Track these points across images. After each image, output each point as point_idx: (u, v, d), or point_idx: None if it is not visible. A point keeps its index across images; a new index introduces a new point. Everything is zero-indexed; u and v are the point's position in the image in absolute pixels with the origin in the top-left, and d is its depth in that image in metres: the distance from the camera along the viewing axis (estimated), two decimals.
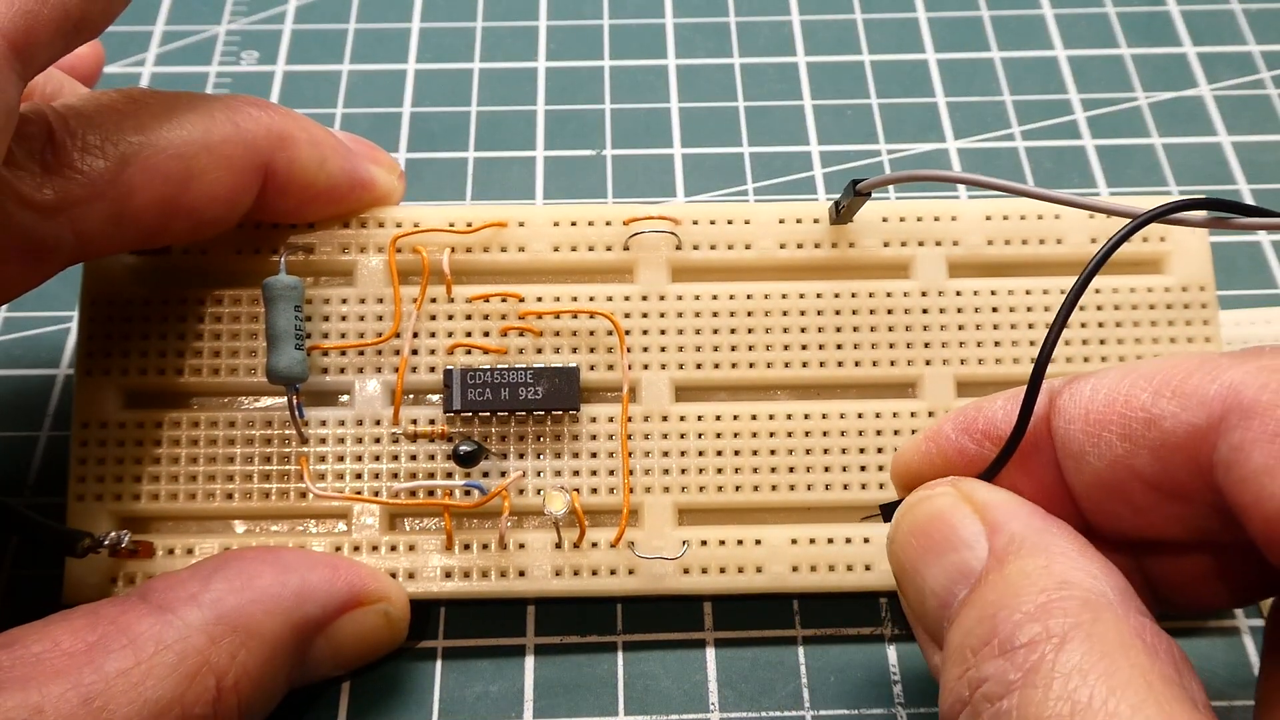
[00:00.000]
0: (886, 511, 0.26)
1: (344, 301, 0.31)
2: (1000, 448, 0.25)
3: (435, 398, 0.31)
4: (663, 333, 0.31)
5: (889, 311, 0.31)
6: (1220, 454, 0.21)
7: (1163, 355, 0.23)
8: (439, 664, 0.30)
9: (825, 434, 0.31)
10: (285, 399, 0.30)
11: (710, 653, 0.31)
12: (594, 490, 0.30)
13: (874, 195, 0.30)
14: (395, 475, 0.30)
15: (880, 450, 0.31)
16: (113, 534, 0.28)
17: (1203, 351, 0.23)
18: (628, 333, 0.31)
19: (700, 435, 0.31)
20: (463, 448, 0.29)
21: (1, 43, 0.22)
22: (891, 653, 0.31)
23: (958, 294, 0.31)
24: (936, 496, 0.25)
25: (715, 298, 0.31)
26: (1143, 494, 0.23)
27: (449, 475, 0.30)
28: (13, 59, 0.22)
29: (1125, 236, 0.24)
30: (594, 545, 0.30)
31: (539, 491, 0.30)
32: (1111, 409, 0.23)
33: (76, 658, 0.23)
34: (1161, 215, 0.24)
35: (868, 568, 0.30)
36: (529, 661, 0.30)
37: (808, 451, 0.31)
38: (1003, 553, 0.23)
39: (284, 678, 0.27)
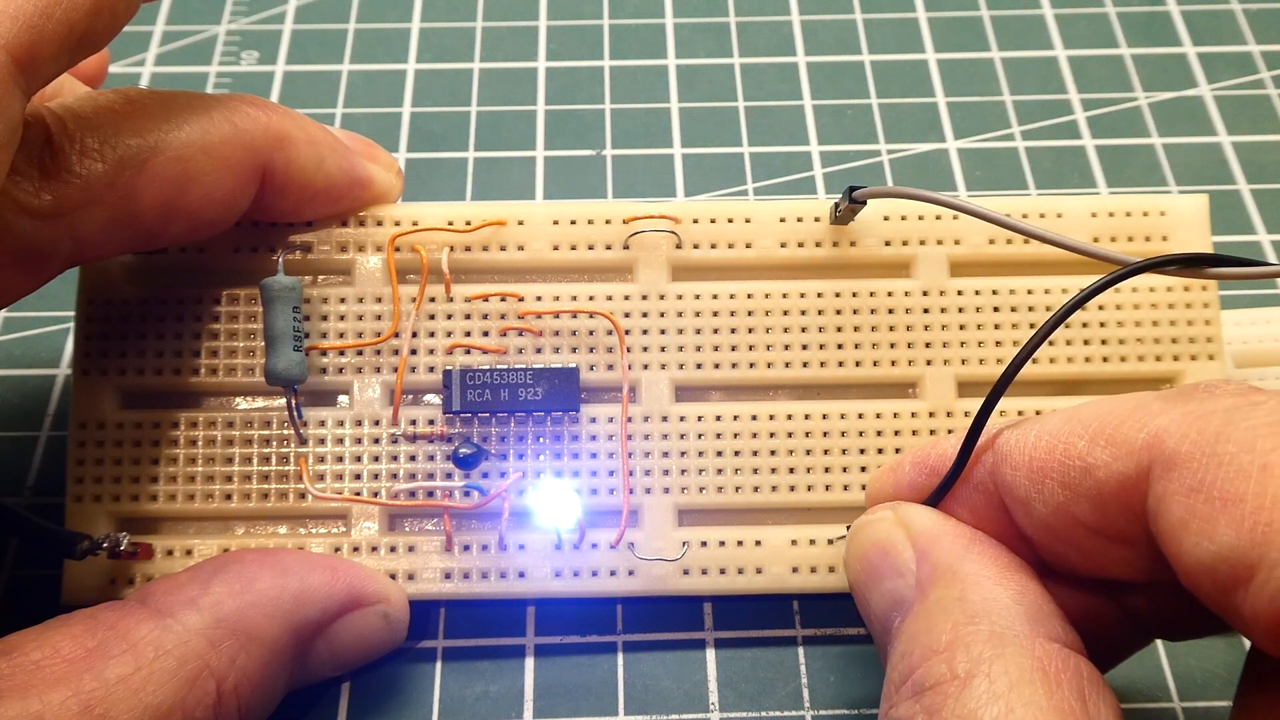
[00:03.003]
0: None
1: (342, 301, 0.31)
2: (936, 486, 0.26)
3: (434, 398, 0.31)
4: (663, 332, 0.31)
5: (890, 311, 0.31)
6: (1149, 504, 0.21)
7: (1107, 397, 0.23)
8: (439, 664, 0.30)
9: (825, 434, 0.31)
10: (284, 399, 0.30)
11: (710, 653, 0.31)
12: (594, 491, 0.30)
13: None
14: (395, 476, 0.30)
15: (880, 451, 0.30)
16: (111, 536, 0.28)
17: (1145, 393, 0.23)
18: (627, 332, 0.31)
19: (700, 435, 0.30)
20: (462, 450, 0.29)
21: (5, 58, 0.22)
22: None
23: (959, 293, 0.31)
24: (876, 522, 0.26)
25: (715, 297, 0.31)
26: (1087, 540, 0.23)
27: (448, 476, 0.30)
28: (17, 74, 0.22)
29: (1094, 293, 0.24)
30: (594, 546, 0.30)
31: (539, 492, 0.30)
32: (1052, 457, 0.23)
33: (76, 664, 0.23)
34: (1142, 270, 0.24)
35: None
36: (529, 662, 0.30)
37: (808, 452, 0.30)
38: (925, 582, 0.24)
39: (284, 680, 0.27)
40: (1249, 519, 0.19)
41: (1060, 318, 0.24)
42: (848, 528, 0.27)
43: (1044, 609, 0.22)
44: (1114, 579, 0.24)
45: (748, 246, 0.31)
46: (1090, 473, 0.22)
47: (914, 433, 0.31)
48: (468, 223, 0.31)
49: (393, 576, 0.29)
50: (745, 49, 0.44)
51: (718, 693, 0.30)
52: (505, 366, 0.30)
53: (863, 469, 0.30)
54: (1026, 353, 0.24)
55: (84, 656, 0.23)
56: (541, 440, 0.30)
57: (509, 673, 0.30)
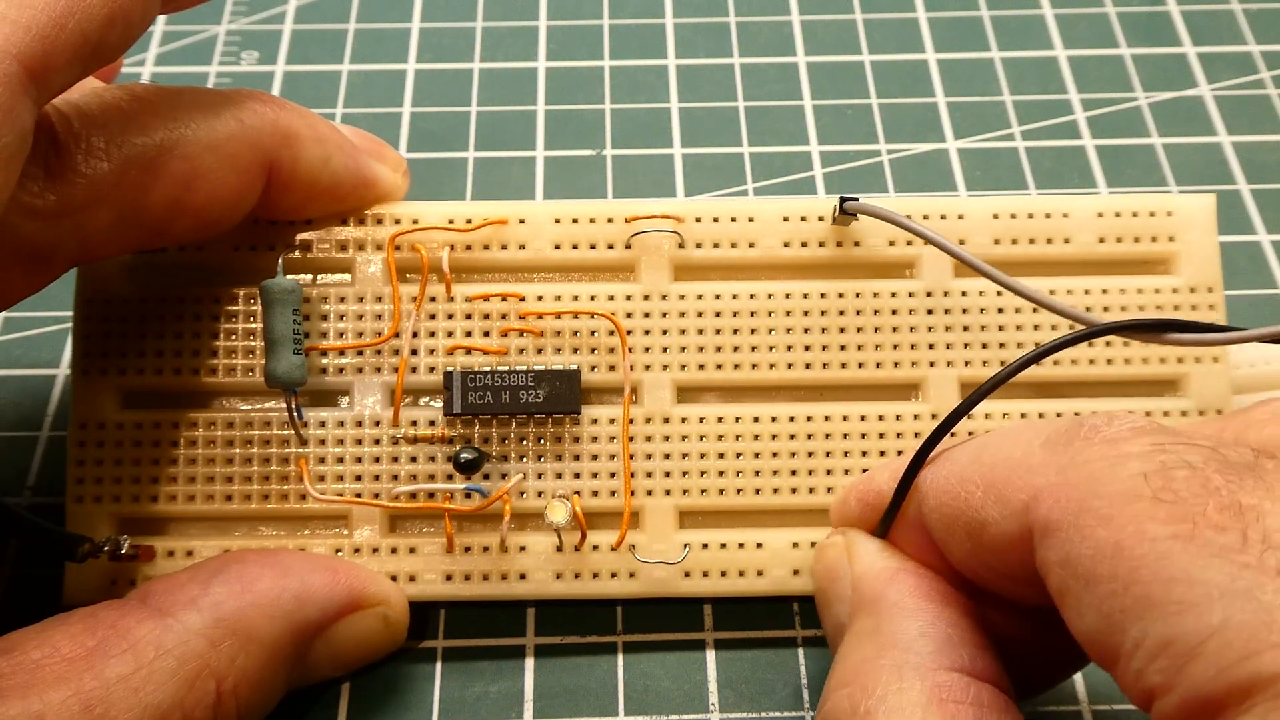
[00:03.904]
0: None
1: (342, 300, 0.31)
2: (880, 518, 0.26)
3: (435, 402, 0.31)
4: (664, 333, 0.31)
5: (893, 312, 0.31)
6: (1037, 565, 0.21)
7: (1013, 428, 0.23)
8: (439, 665, 0.30)
9: (828, 436, 0.30)
10: (284, 399, 0.30)
11: (710, 654, 0.31)
12: (595, 493, 0.30)
13: (875, 192, 0.30)
14: (395, 478, 0.30)
15: (883, 453, 0.30)
16: (112, 539, 0.28)
17: (1035, 434, 0.22)
18: (629, 333, 0.31)
19: (702, 437, 0.30)
20: (463, 455, 0.29)
21: (17, 67, 0.21)
22: None
23: (963, 294, 0.31)
24: (829, 546, 0.27)
25: (718, 297, 0.31)
26: (1001, 582, 0.23)
27: (449, 478, 0.30)
28: (28, 84, 0.22)
29: (1059, 347, 0.25)
30: (595, 548, 0.30)
31: (540, 494, 0.30)
32: (955, 505, 0.23)
33: (76, 663, 0.23)
34: (1102, 333, 0.25)
35: None
36: (529, 662, 0.30)
37: (810, 454, 0.30)
38: (853, 612, 0.24)
39: (283, 680, 0.27)
40: (1106, 603, 0.19)
41: (1006, 377, 0.24)
42: None
43: (953, 638, 0.22)
44: (1040, 608, 0.24)
45: (751, 246, 0.31)
46: (986, 527, 0.22)
47: (916, 435, 0.30)
48: (468, 221, 0.31)
49: (393, 578, 0.29)
50: (745, 49, 0.44)
51: (718, 693, 0.30)
52: (506, 368, 0.30)
53: (864, 471, 0.30)
54: (965, 408, 0.25)
55: (84, 655, 0.23)
56: (543, 442, 0.30)
57: (509, 673, 0.30)
